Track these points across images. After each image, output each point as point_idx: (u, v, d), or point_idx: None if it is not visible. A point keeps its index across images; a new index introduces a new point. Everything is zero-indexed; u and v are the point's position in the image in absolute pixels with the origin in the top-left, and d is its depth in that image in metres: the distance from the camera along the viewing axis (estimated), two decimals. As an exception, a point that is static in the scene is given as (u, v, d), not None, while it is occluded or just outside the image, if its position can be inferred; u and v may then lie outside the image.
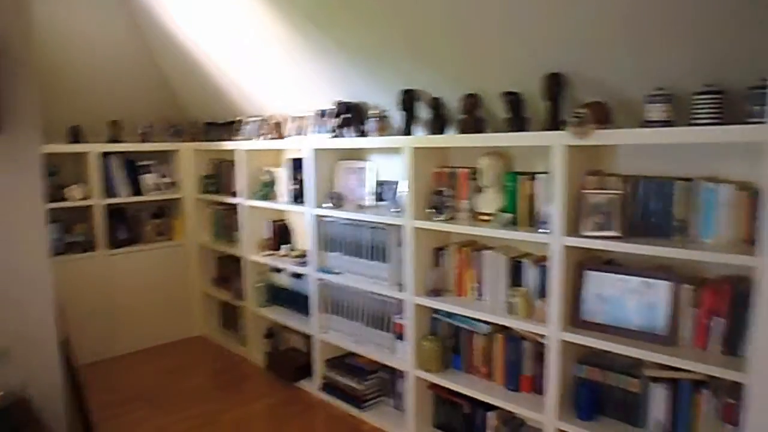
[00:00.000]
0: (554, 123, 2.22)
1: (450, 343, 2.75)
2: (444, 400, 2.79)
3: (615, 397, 2.18)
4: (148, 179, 4.25)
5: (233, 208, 4.06)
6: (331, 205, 3.18)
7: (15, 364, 1.89)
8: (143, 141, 4.24)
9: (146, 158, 4.27)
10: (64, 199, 3.84)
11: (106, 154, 4.03)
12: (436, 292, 2.72)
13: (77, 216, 3.96)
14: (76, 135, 3.96)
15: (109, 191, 4.04)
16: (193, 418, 3.19)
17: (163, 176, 4.34)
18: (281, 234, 3.85)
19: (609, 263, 2.24)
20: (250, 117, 3.88)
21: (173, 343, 4.39)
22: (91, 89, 4.04)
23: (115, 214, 4.12)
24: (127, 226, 4.19)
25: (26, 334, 2.02)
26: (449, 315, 2.69)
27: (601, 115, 2.05)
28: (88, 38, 3.85)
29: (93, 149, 3.94)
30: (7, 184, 1.96)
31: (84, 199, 3.90)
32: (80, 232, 3.95)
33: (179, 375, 3.79)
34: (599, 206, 2.10)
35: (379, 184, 3.17)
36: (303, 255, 3.56)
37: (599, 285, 2.16)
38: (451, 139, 2.60)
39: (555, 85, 2.19)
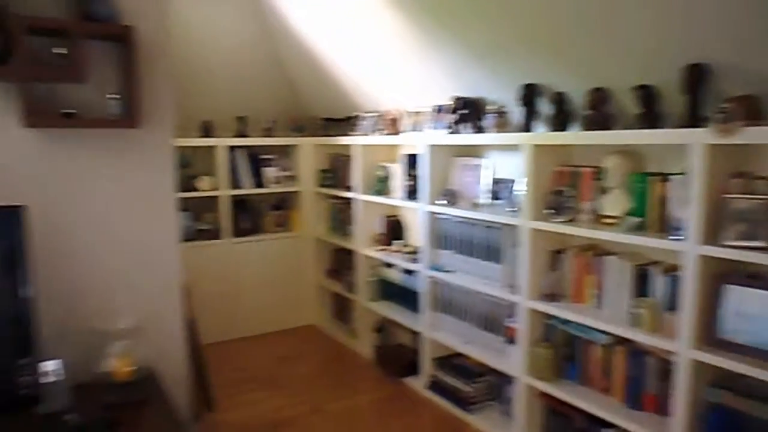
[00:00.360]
0: (694, 119, 2.02)
1: (564, 351, 2.60)
2: (555, 411, 2.65)
3: (753, 427, 1.95)
4: (270, 172, 4.44)
5: (348, 202, 4.13)
6: (445, 202, 3.14)
7: (146, 341, 2.03)
8: (267, 136, 4.44)
9: (269, 152, 4.47)
10: (194, 190, 4.11)
11: (232, 148, 4.27)
12: (551, 296, 2.59)
13: (206, 205, 4.23)
14: (207, 130, 4.22)
15: (235, 183, 4.28)
16: (304, 403, 3.29)
17: (284, 170, 4.52)
18: (394, 230, 3.87)
19: (753, 277, 2.00)
20: (367, 113, 3.93)
21: (287, 330, 4.56)
22: (221, 87, 4.29)
23: (239, 204, 4.34)
24: (249, 217, 4.41)
25: (157, 313, 2.17)
26: (565, 322, 2.55)
27: (750, 111, 1.83)
28: (221, 40, 4.09)
29: (221, 143, 4.18)
30: (143, 174, 2.11)
31: (212, 189, 4.16)
32: (208, 221, 4.22)
33: (291, 361, 3.93)
34: (744, 213, 1.88)
35: (495, 182, 3.08)
36: (415, 252, 3.55)
37: (741, 301, 1.94)
38: (575, 136, 2.46)
39: (696, 76, 1.99)
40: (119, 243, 2.08)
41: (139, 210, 2.11)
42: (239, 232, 4.31)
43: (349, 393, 3.44)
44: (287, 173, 4.53)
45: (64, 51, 1.85)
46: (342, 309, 4.42)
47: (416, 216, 3.69)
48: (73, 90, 1.95)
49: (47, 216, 1.93)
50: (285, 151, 4.58)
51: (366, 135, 3.85)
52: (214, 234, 4.19)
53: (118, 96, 1.97)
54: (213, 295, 4.18)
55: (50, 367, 1.78)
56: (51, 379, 1.78)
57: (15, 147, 1.88)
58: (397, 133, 3.61)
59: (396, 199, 3.61)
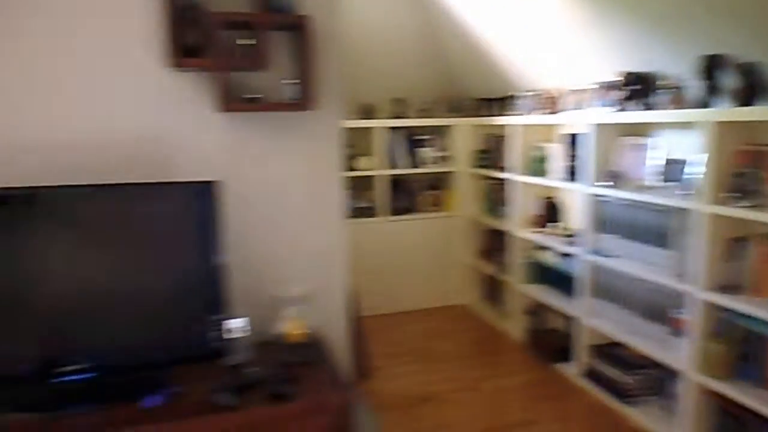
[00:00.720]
0: None
1: (740, 348, 2.38)
2: (727, 412, 2.44)
3: None
4: (426, 153, 4.53)
5: (503, 183, 4.09)
6: (608, 183, 2.99)
7: (315, 308, 2.21)
8: (423, 117, 4.53)
9: (425, 133, 4.55)
10: (354, 170, 4.32)
11: (390, 129, 4.41)
12: (728, 288, 2.37)
13: (364, 184, 4.43)
14: (366, 111, 4.40)
15: (392, 163, 4.43)
16: (455, 380, 3.36)
17: (440, 150, 4.58)
18: (550, 211, 3.76)
19: None
20: (524, 92, 3.84)
21: (438, 308, 4.66)
22: (380, 70, 4.44)
23: (396, 184, 4.49)
24: (405, 196, 4.54)
25: (325, 283, 2.35)
26: (743, 317, 2.33)
27: None
28: (379, 24, 4.23)
29: (380, 124, 4.35)
30: (315, 153, 2.28)
31: (370, 169, 4.34)
32: (366, 199, 4.42)
33: (442, 338, 4.02)
34: None
35: (666, 162, 2.86)
36: (572, 235, 3.43)
37: None
38: (766, 112, 2.21)
39: None
40: (294, 216, 2.28)
41: (311, 186, 2.28)
42: (395, 211, 4.46)
43: (499, 373, 3.45)
44: (443, 153, 4.59)
45: (250, 42, 2.04)
46: (493, 290, 4.41)
47: (575, 198, 3.56)
48: (256, 77, 2.15)
49: (234, 190, 2.16)
50: (441, 131, 4.63)
51: (523, 115, 3.77)
52: (371, 212, 4.39)
53: (294, 81, 2.14)
54: (369, 270, 4.39)
55: (235, 324, 2.01)
56: (236, 335, 2.01)
57: (210, 129, 2.13)
58: (556, 112, 3.49)
59: (554, 180, 3.50)
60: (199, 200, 1.84)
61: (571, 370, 3.35)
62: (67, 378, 1.82)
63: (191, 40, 1.99)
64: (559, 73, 3.50)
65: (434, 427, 2.87)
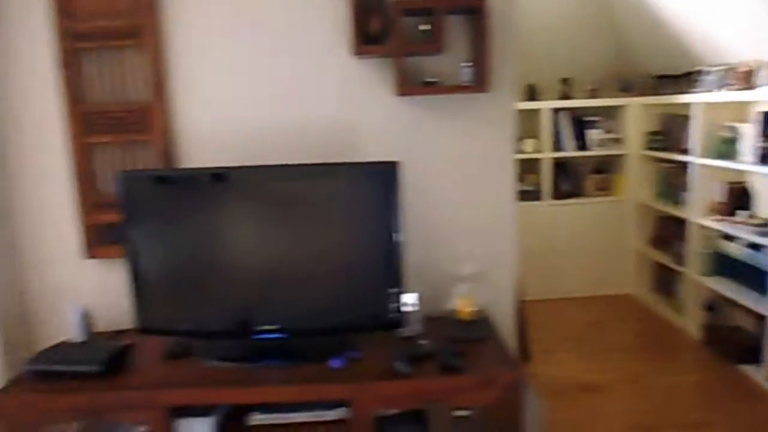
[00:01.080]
0: None
1: None
2: None
3: None
4: (593, 135, 4.34)
5: (681, 166, 3.80)
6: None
7: (484, 287, 2.26)
8: (591, 97, 4.34)
9: (593, 114, 4.36)
10: (519, 152, 4.27)
11: (556, 111, 4.28)
12: None
13: (528, 167, 4.36)
14: (531, 93, 4.31)
15: (557, 145, 4.31)
16: (618, 370, 3.22)
17: (608, 132, 4.36)
18: (739, 198, 3.42)
19: None
20: (712, 66, 3.51)
21: (602, 297, 4.47)
22: (547, 49, 4.31)
23: (560, 167, 4.37)
24: (570, 179, 4.40)
25: (495, 263, 2.38)
26: None
27: None
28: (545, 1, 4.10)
29: (545, 106, 4.24)
30: (487, 135, 2.31)
31: (535, 152, 4.26)
32: (530, 182, 4.35)
33: (604, 328, 3.86)
34: None
35: None
36: (765, 224, 3.10)
37: None
38: None
39: None
40: (466, 197, 2.33)
41: (483, 168, 2.32)
42: (559, 195, 4.35)
43: (668, 369, 3.25)
44: (611, 135, 4.37)
45: (428, 27, 2.12)
46: (665, 281, 4.12)
47: (769, 184, 3.21)
48: (432, 61, 2.22)
49: (410, 170, 2.26)
50: (610, 112, 4.40)
51: (710, 92, 3.45)
52: (535, 195, 4.32)
53: (470, 64, 2.18)
54: (531, 254, 4.32)
55: (409, 298, 2.12)
56: (409, 308, 2.12)
57: (390, 112, 2.26)
58: (751, 87, 3.15)
59: (745, 163, 3.18)
60: (382, 179, 1.96)
61: (758, 373, 3.06)
62: (263, 336, 2.05)
63: (373, 28, 2.11)
64: (757, 44, 3.14)
65: (593, 417, 2.79)
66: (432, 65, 2.23)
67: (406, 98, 2.24)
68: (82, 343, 2.21)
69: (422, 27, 2.13)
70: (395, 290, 2.03)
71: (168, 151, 2.27)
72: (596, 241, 4.44)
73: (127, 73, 2.25)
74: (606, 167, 4.48)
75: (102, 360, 1.97)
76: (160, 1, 2.18)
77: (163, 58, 2.22)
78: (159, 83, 2.23)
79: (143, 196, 2.03)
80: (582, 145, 4.35)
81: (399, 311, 2.05)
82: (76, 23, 2.18)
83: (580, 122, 4.35)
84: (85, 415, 1.91)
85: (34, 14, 2.20)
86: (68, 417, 1.92)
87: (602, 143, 4.35)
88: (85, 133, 2.27)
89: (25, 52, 2.23)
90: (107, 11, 2.17)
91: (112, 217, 2.27)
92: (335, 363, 1.96)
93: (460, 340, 2.07)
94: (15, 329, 2.36)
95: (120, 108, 2.25)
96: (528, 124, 4.37)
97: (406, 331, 2.12)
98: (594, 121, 4.35)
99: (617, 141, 4.37)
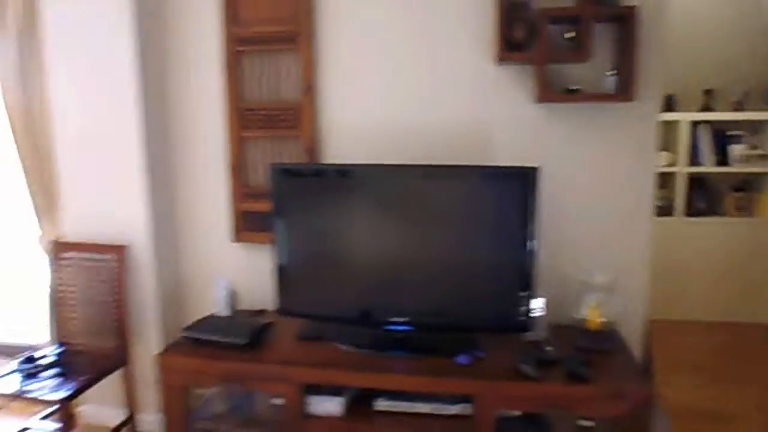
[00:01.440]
0: None
1: None
2: None
3: None
4: (736, 150, 4.06)
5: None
6: None
7: (615, 298, 2.20)
8: (736, 110, 4.06)
9: (737, 128, 4.07)
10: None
11: (695, 123, 4.06)
12: None
13: (660, 181, 4.15)
14: (669, 103, 4.11)
15: (693, 159, 4.08)
16: (750, 400, 3.00)
17: (754, 148, 4.06)
18: None
19: None
20: None
21: (737, 324, 4.15)
22: (689, 58, 4.09)
23: (696, 182, 4.13)
24: (706, 196, 4.15)
25: (627, 275, 2.32)
26: None
27: None
28: (690, 4, 3.89)
29: (683, 118, 4.03)
30: (628, 146, 2.25)
31: (669, 165, 4.06)
32: (661, 197, 4.15)
33: (739, 357, 3.60)
34: None
35: None
36: None
37: None
38: None
39: None
40: (601, 207, 2.30)
41: (621, 179, 2.28)
42: (692, 211, 4.11)
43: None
44: (757, 152, 4.06)
45: (573, 35, 2.12)
46: (813, 313, 3.78)
47: None
48: (574, 68, 2.21)
49: (547, 177, 2.27)
50: (757, 126, 4.09)
51: None
52: (666, 210, 4.11)
53: (614, 72, 2.15)
54: (658, 271, 4.12)
55: (538, 303, 2.13)
56: (537, 313, 2.13)
57: (529, 119, 2.28)
58: None
59: None
60: (519, 184, 1.99)
61: None
62: (392, 327, 2.15)
63: (517, 35, 2.15)
64: None
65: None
66: (573, 72, 2.22)
67: (545, 105, 2.25)
68: (228, 317, 2.43)
69: (567, 35, 2.14)
70: (525, 294, 2.05)
71: (313, 147, 2.44)
72: (731, 263, 4.13)
73: (282, 74, 2.45)
74: (749, 185, 4.17)
75: (247, 334, 2.17)
76: (317, 9, 2.36)
77: (315, 61, 2.39)
78: (310, 84, 2.40)
79: (292, 187, 2.21)
80: (722, 161, 4.08)
81: (527, 315, 2.07)
82: (241, 29, 2.41)
83: (722, 136, 4.09)
84: (230, 381, 2.10)
85: (208, 22, 2.47)
86: (214, 381, 2.14)
87: (746, 159, 4.05)
88: (241, 127, 2.50)
89: (200, 54, 2.51)
90: (270, 18, 2.38)
91: (258, 205, 2.50)
92: (462, 359, 2.02)
93: (586, 350, 2.06)
94: (171, 301, 2.66)
95: (273, 106, 2.46)
96: (663, 136, 4.16)
97: (532, 335, 2.14)
98: (737, 136, 4.07)
99: (763, 158, 4.05)
